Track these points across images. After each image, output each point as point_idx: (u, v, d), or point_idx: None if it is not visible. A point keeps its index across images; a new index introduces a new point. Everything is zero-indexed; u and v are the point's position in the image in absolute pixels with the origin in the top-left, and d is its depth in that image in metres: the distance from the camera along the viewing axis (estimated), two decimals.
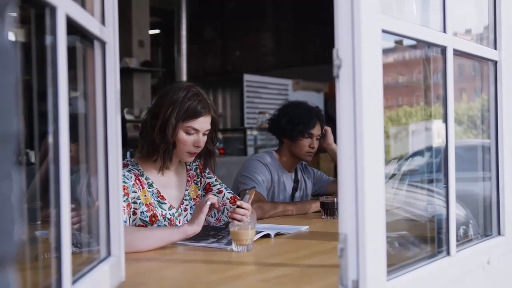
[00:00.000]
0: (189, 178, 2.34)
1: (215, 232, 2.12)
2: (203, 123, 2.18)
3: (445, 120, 1.52)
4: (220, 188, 2.37)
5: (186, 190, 2.31)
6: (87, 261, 1.30)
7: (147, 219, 2.13)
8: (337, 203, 2.63)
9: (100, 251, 1.34)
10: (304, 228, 2.33)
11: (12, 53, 0.59)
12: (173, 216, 2.22)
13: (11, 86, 0.58)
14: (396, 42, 1.47)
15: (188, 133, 2.16)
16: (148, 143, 2.17)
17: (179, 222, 2.23)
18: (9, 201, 0.57)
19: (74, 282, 1.08)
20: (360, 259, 1.15)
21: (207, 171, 2.40)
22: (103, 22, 1.34)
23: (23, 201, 0.64)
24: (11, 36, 0.60)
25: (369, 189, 1.15)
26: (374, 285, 1.16)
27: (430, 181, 1.91)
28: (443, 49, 1.51)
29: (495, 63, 1.80)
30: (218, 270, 1.65)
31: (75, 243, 1.32)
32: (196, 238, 2.02)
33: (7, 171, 0.57)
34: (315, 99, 6.54)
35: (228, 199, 2.32)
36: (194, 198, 2.33)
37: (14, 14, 0.62)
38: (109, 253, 1.36)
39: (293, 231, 2.26)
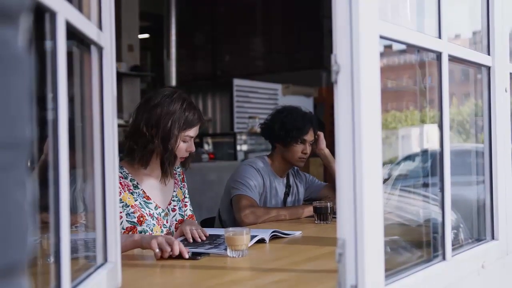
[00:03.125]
0: (175, 181, 2.43)
1: (211, 240, 2.11)
2: (197, 130, 2.31)
3: (441, 125, 1.53)
4: (187, 202, 2.48)
5: (174, 191, 2.39)
6: (84, 267, 1.29)
7: (135, 219, 2.19)
8: (330, 208, 2.63)
9: (97, 257, 1.33)
10: (298, 233, 2.33)
11: (26, 61, 0.59)
12: (160, 216, 2.28)
13: (25, 93, 0.58)
14: (385, 46, 1.48)
15: (184, 141, 2.26)
16: (149, 152, 2.22)
17: (167, 222, 2.30)
18: (22, 208, 0.57)
19: None
20: (359, 264, 1.15)
21: (185, 181, 2.51)
22: (100, 27, 1.33)
23: (35, 208, 0.63)
24: (25, 43, 0.60)
25: (368, 194, 1.16)
26: None
27: (422, 186, 1.92)
28: (439, 55, 1.52)
29: (488, 68, 1.82)
30: (214, 276, 1.64)
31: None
32: (193, 244, 2.01)
33: (21, 178, 0.57)
34: (304, 104, 6.53)
35: (187, 216, 2.41)
36: (182, 200, 2.42)
37: (28, 22, 0.62)
38: (105, 259, 1.35)
39: (288, 234, 2.26)
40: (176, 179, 2.43)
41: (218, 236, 2.17)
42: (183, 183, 2.48)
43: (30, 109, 0.60)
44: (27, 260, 0.59)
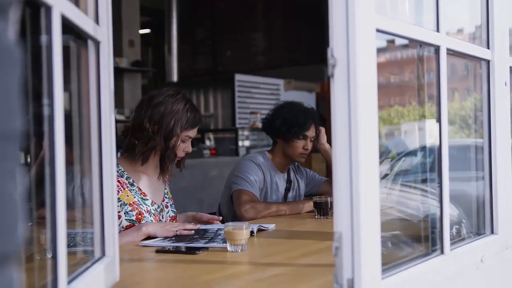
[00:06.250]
0: (166, 180, 2.47)
1: (200, 234, 2.11)
2: (196, 131, 2.36)
3: (439, 120, 1.52)
4: (170, 202, 2.50)
5: (165, 189, 2.45)
6: (82, 261, 1.29)
7: (134, 217, 2.22)
8: (330, 203, 2.63)
9: (95, 251, 1.34)
10: (272, 226, 2.35)
11: (15, 53, 0.59)
12: (156, 212, 2.32)
13: (15, 85, 0.59)
14: (388, 41, 1.48)
15: (183, 141, 2.30)
16: (150, 148, 2.25)
17: (162, 218, 2.36)
18: (13, 199, 0.57)
19: (69, 282, 1.07)
20: (355, 258, 1.15)
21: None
22: (97, 21, 1.33)
23: (26, 200, 0.64)
24: (14, 35, 0.60)
25: (364, 187, 1.16)
26: (369, 284, 1.16)
27: (423, 181, 1.91)
28: (437, 49, 1.51)
29: (487, 62, 1.81)
30: (212, 270, 1.64)
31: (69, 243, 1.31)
32: (187, 240, 2.01)
33: (11, 169, 0.58)
34: (307, 99, 6.55)
35: (170, 217, 2.42)
36: (171, 198, 2.47)
37: (17, 14, 0.62)
38: (103, 253, 1.35)
39: (267, 228, 2.30)
40: (166, 178, 2.47)
41: (206, 230, 2.18)
42: (167, 184, 2.52)
43: (20, 101, 0.60)
44: (18, 251, 0.59)
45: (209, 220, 2.41)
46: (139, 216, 2.22)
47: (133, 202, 2.23)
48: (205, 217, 2.43)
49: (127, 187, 2.24)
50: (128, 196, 2.23)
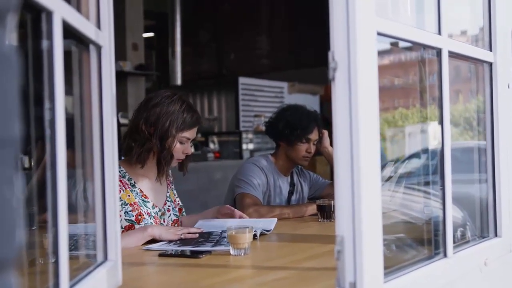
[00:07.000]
0: (169, 183, 2.47)
1: (205, 238, 2.11)
2: (195, 132, 2.34)
3: (441, 122, 1.52)
4: (178, 203, 2.50)
5: (167, 192, 2.44)
6: (84, 265, 1.29)
7: (133, 218, 2.22)
8: (333, 206, 2.62)
9: (97, 255, 1.34)
10: (273, 222, 2.36)
11: (13, 58, 0.59)
12: (157, 215, 2.32)
13: (13, 91, 0.59)
14: (391, 44, 1.48)
15: (181, 143, 2.29)
16: (147, 150, 2.25)
17: (164, 221, 2.35)
18: (10, 205, 0.58)
19: (71, 286, 1.07)
20: (357, 261, 1.15)
21: (172, 184, 2.53)
22: (98, 26, 1.33)
23: (24, 205, 0.64)
24: (12, 42, 0.60)
25: (366, 190, 1.15)
26: (371, 287, 1.16)
27: (427, 183, 1.91)
28: (439, 51, 1.51)
29: (490, 64, 1.81)
30: (215, 274, 1.64)
31: (71, 247, 1.31)
32: (192, 244, 2.01)
33: (9, 175, 0.58)
34: (310, 102, 6.54)
35: (172, 221, 2.41)
36: (174, 201, 2.46)
37: (15, 20, 0.62)
38: (106, 258, 1.36)
39: (267, 224, 2.31)
40: (169, 181, 2.47)
41: (210, 233, 2.18)
42: (172, 185, 2.52)
43: (18, 107, 0.60)
44: (16, 256, 0.59)
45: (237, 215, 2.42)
46: (139, 217, 2.22)
47: (134, 203, 2.23)
48: (227, 209, 2.46)
49: (129, 187, 2.25)
50: (129, 196, 2.23)
